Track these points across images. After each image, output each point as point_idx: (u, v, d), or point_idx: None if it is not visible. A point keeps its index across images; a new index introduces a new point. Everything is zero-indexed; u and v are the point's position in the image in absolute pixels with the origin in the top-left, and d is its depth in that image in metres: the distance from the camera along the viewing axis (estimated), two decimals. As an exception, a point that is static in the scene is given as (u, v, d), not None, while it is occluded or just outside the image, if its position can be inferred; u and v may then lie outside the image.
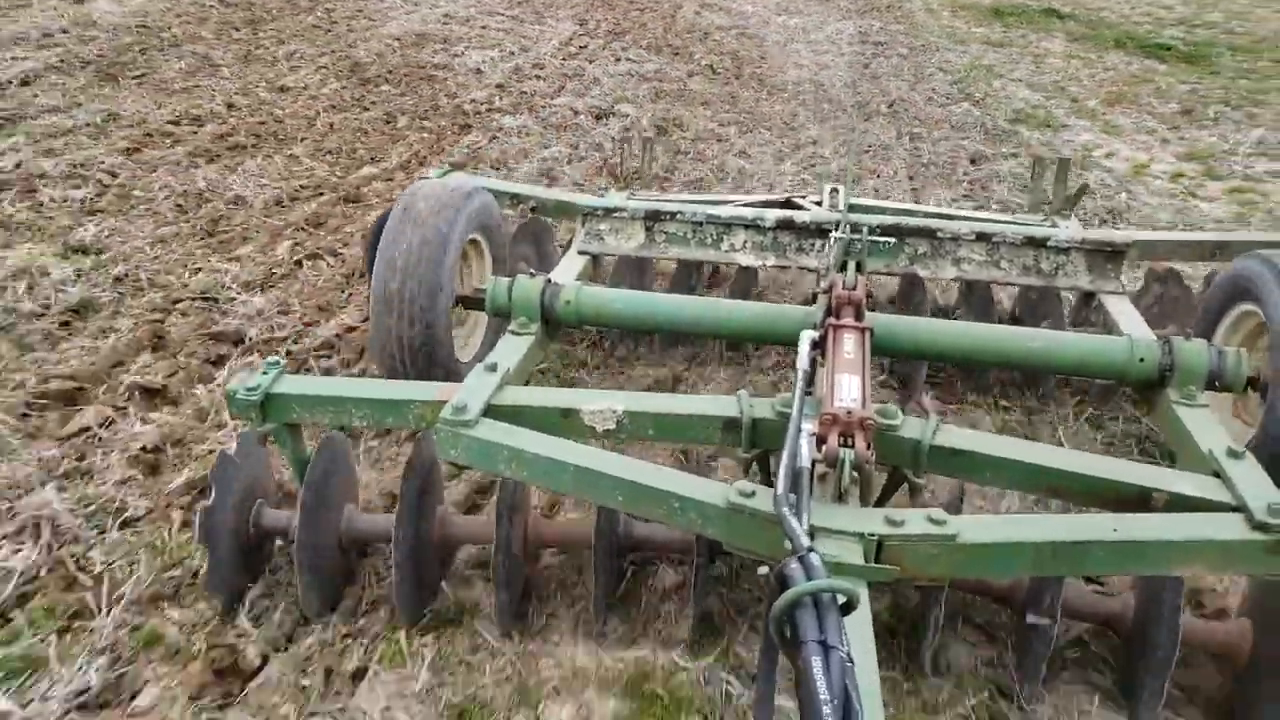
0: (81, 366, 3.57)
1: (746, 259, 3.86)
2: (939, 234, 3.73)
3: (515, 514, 2.52)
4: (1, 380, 3.48)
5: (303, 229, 5.12)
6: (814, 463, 2.12)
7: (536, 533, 2.65)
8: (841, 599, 1.32)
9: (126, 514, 2.86)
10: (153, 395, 3.47)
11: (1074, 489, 2.42)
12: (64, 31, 8.61)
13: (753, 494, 2.13)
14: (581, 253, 3.90)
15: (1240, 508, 2.24)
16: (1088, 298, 3.84)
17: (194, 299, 4.20)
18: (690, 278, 4.15)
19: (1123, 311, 3.51)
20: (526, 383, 3.19)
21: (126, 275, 4.37)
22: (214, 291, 4.29)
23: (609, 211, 3.91)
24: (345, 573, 2.70)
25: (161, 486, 3.02)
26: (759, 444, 2.53)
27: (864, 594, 1.89)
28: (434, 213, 3.20)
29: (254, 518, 2.61)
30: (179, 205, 5.29)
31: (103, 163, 5.76)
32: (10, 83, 7.25)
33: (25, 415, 3.29)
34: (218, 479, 2.48)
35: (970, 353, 3.12)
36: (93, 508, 2.87)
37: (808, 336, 2.54)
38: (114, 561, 2.66)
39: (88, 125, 6.47)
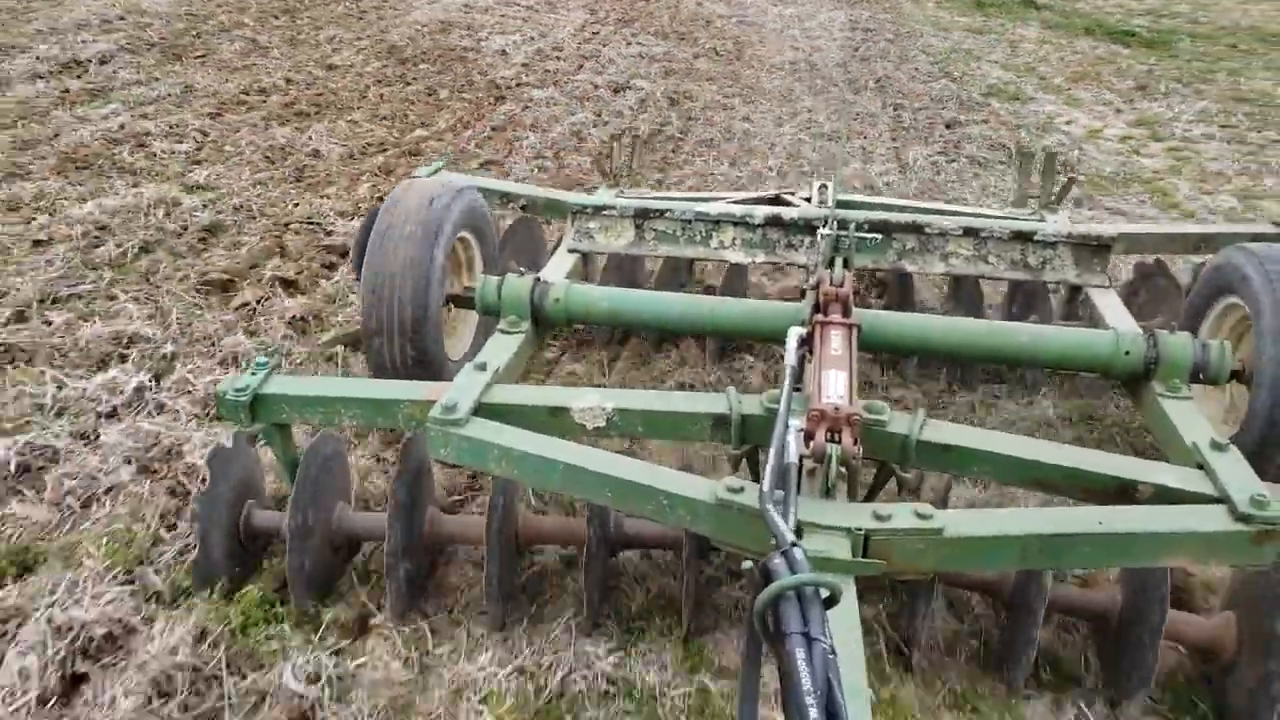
0: (230, 265, 4.49)
1: (736, 256, 3.85)
2: (927, 229, 3.72)
3: (506, 512, 2.54)
4: (169, 275, 4.40)
5: (376, 174, 6.02)
6: (801, 459, 2.12)
7: (528, 530, 2.65)
8: (825, 593, 1.32)
9: (291, 355, 3.78)
10: (289, 285, 4.39)
11: (1060, 482, 2.43)
12: (121, 19, 9.52)
13: (741, 490, 2.15)
14: (571, 251, 3.87)
15: (1223, 499, 2.25)
16: (1074, 291, 3.87)
17: (301, 223, 5.11)
18: (680, 275, 4.16)
19: (1109, 305, 3.49)
20: (520, 381, 3.17)
21: (241, 206, 5.28)
22: (315, 218, 5.19)
23: (598, 209, 3.89)
24: (337, 570, 2.71)
25: (311, 341, 3.94)
26: (748, 440, 2.55)
27: (850, 589, 1.92)
28: (423, 210, 3.19)
29: (245, 519, 2.61)
30: (267, 157, 6.19)
31: (193, 124, 6.68)
32: (91, 60, 8.15)
33: (196, 296, 4.19)
34: (213, 468, 2.51)
35: (957, 347, 3.12)
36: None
37: (795, 333, 2.57)
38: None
39: (169, 95, 7.38)
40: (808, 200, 4.20)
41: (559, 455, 2.34)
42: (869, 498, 2.50)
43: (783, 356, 2.57)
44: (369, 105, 7.59)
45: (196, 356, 3.73)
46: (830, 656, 1.23)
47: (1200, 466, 2.42)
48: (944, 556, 2.12)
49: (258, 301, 4.19)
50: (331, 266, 4.69)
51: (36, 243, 4.61)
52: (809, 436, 2.21)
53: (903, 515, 2.09)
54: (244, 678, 2.30)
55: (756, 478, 2.52)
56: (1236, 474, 2.34)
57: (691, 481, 2.25)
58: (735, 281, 4.07)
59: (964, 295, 4.01)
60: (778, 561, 1.38)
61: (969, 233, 3.70)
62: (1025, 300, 4.01)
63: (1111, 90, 9.21)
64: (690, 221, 3.82)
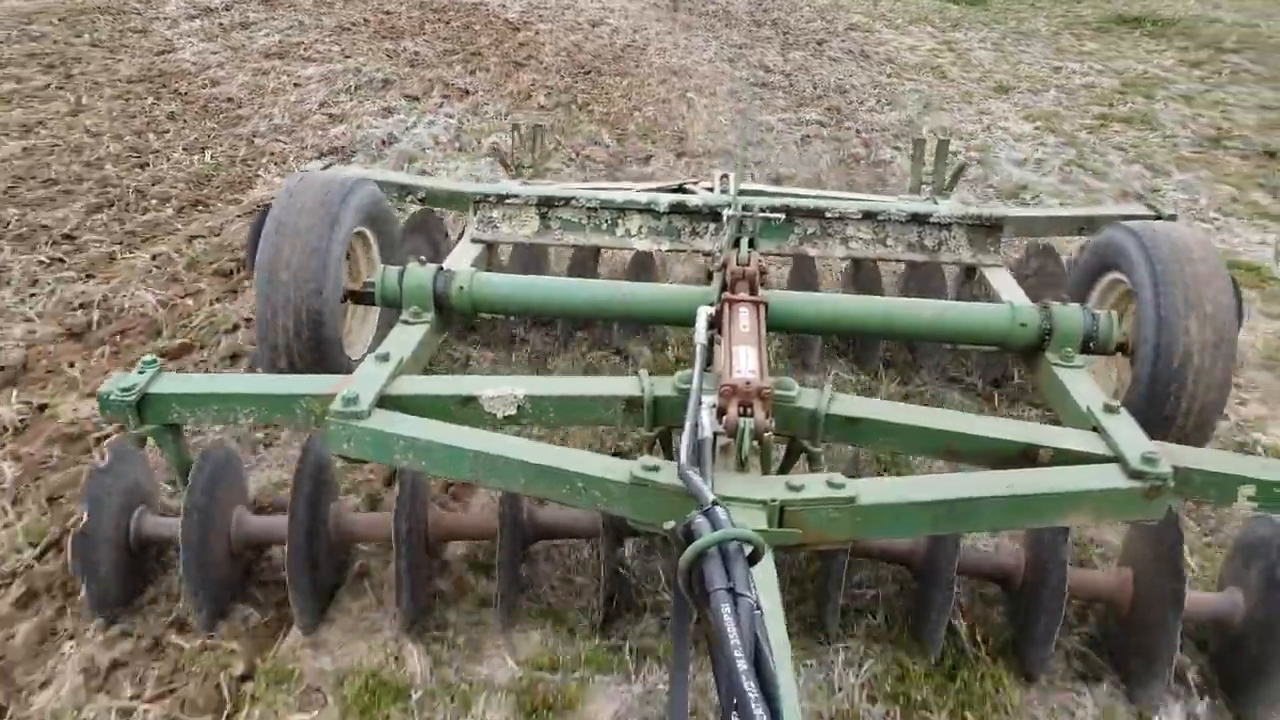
0: (411, 92, 8.02)
1: (642, 244, 3.87)
2: (827, 214, 3.80)
3: (415, 508, 2.48)
4: (382, 96, 7.93)
5: (460, 63, 9.50)
6: (715, 435, 2.16)
7: (438, 526, 2.60)
8: (748, 549, 1.32)
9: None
10: (451, 97, 7.98)
11: (966, 449, 2.50)
12: (210, -17, 12.73)
13: (656, 468, 2.14)
14: (475, 241, 3.85)
15: (1118, 458, 2.34)
16: (969, 272, 3.95)
17: (434, 81, 8.65)
18: (587, 264, 4.14)
19: (1003, 283, 3.62)
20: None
21: (393, 73, 8.76)
22: (442, 79, 8.73)
23: (502, 198, 3.87)
24: (238, 579, 2.61)
25: (480, 111, 7.59)
26: (661, 421, 2.55)
27: (769, 557, 1.91)
28: (318, 205, 3.13)
29: (135, 527, 2.49)
30: (386, 55, 9.65)
31: (325, 39, 10.08)
32: (218, 8, 11.48)
33: (407, 100, 7.77)
34: (90, 499, 2.37)
35: (861, 325, 3.21)
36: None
37: (704, 312, 2.61)
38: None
39: (292, 26, 10.72)
40: (710, 190, 4.29)
41: (467, 443, 2.30)
42: (780, 474, 2.50)
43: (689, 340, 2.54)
44: (430, 33, 11.02)
45: (430, 112, 7.44)
46: (756, 612, 1.22)
47: (1095, 429, 2.52)
48: (858, 525, 2.15)
49: (440, 102, 7.79)
50: (469, 91, 8.30)
51: (295, 84, 8.08)
52: (722, 412, 2.24)
53: (816, 485, 2.13)
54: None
55: (670, 459, 2.46)
56: (1128, 434, 2.43)
57: (606, 462, 2.25)
58: (641, 270, 4.09)
59: (862, 278, 4.14)
60: (700, 521, 1.38)
61: (868, 216, 3.81)
62: (920, 283, 4.09)
63: (933, 27, 13.29)
64: (596, 209, 3.85)
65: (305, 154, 6.42)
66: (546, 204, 3.86)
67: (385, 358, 2.66)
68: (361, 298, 3.31)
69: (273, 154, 6.42)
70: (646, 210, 3.85)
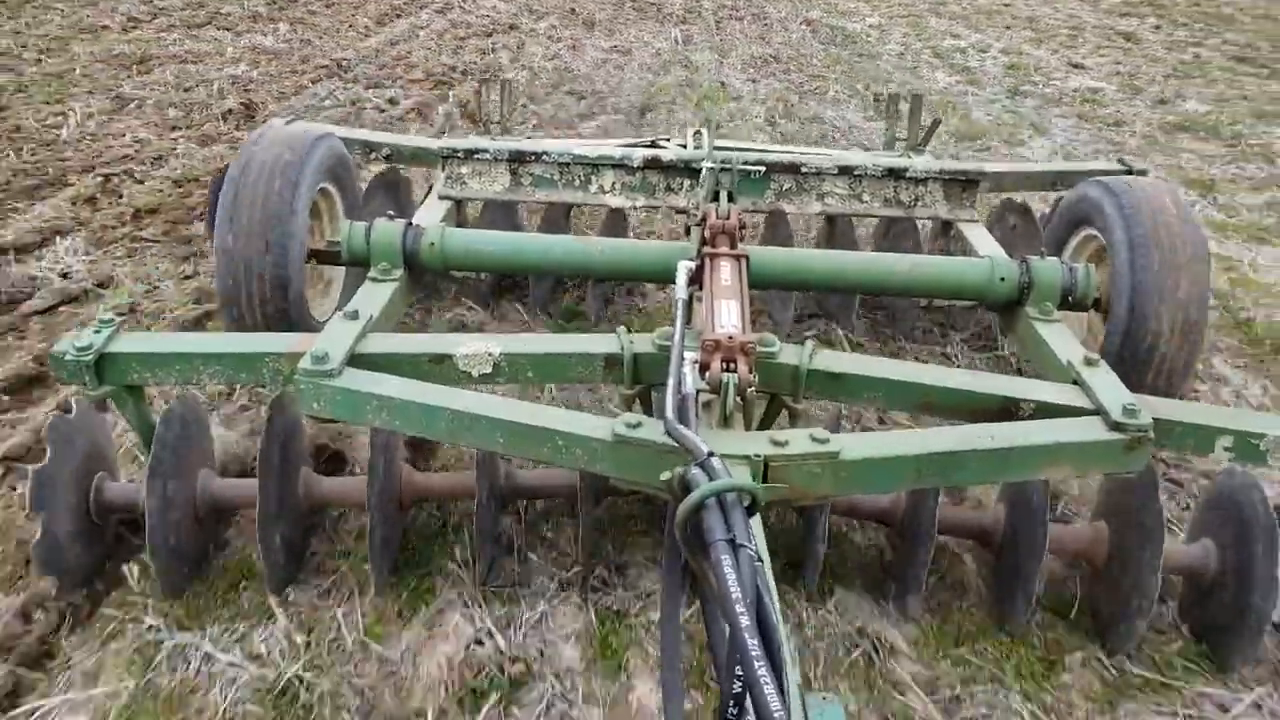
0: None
1: (616, 200, 3.79)
2: (803, 169, 3.76)
3: (388, 470, 2.43)
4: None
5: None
6: (698, 391, 2.14)
7: (412, 487, 2.55)
8: (746, 500, 1.30)
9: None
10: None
11: (947, 404, 2.51)
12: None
13: (639, 425, 2.11)
14: (443, 198, 3.75)
15: (1098, 411, 2.36)
16: (945, 227, 3.94)
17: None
18: (561, 221, 4.04)
19: (979, 238, 3.62)
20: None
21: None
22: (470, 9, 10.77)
23: (471, 153, 3.76)
24: (205, 545, 2.55)
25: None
26: (641, 379, 2.52)
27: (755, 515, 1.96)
28: (280, 160, 3.03)
29: (95, 493, 2.41)
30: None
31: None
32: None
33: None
34: (55, 440, 2.30)
35: (840, 280, 3.20)
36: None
37: (684, 266, 2.56)
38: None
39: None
40: (683, 147, 4.21)
41: (444, 402, 2.26)
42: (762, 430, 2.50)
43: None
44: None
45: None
46: (757, 563, 1.19)
47: (1075, 382, 2.53)
48: (841, 480, 2.15)
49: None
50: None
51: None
52: (704, 368, 2.22)
53: (800, 440, 2.11)
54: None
55: (650, 416, 2.43)
56: (1108, 387, 2.45)
57: (587, 420, 2.22)
58: (615, 228, 4.02)
59: (837, 235, 4.12)
60: (696, 472, 1.35)
61: (844, 171, 3.78)
62: (895, 239, 4.09)
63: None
64: (568, 165, 3.76)
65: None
66: (517, 159, 3.77)
67: (354, 315, 2.60)
68: (326, 257, 3.22)
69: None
70: (620, 166, 3.78)
